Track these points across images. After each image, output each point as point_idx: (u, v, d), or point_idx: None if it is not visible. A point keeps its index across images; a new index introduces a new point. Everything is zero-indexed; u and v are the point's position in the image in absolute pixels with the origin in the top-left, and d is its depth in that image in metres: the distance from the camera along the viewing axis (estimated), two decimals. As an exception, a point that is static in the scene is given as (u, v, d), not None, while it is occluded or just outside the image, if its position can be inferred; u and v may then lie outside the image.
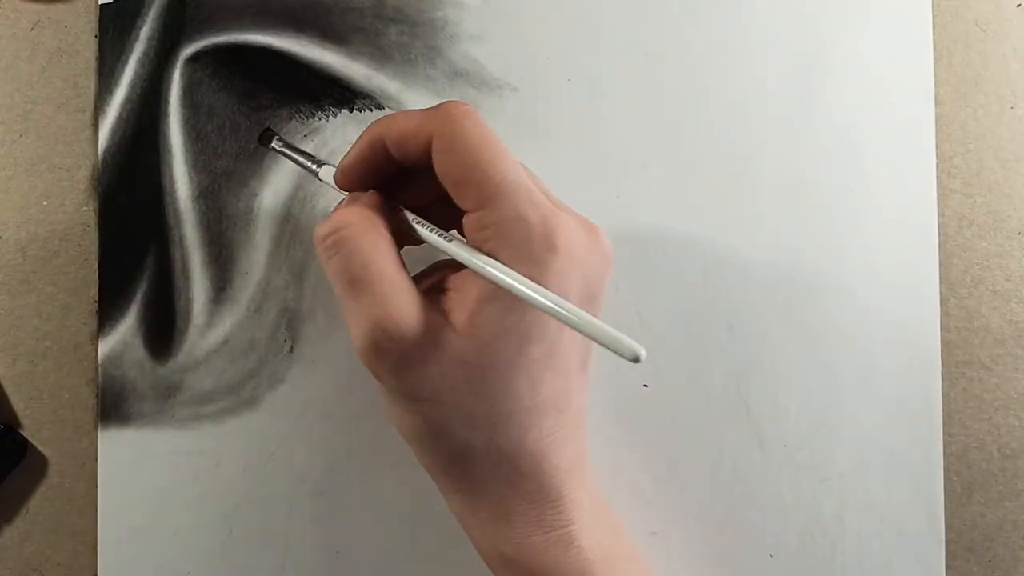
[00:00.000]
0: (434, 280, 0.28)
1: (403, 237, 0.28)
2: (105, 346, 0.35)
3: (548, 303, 0.23)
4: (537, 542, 0.26)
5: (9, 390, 0.35)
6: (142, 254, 0.35)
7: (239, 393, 0.35)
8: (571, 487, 0.27)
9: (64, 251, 0.36)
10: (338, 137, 0.35)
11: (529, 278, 0.24)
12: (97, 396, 0.35)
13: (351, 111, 0.35)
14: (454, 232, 0.27)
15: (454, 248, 0.26)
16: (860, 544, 0.34)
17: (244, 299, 0.35)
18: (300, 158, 0.32)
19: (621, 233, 0.35)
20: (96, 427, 0.35)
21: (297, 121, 0.35)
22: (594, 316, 0.24)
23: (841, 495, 0.34)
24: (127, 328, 0.35)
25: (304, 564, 0.34)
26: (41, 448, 0.35)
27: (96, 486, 0.35)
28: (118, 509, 0.35)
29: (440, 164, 0.25)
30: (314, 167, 0.31)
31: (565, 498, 0.27)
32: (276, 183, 0.35)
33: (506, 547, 0.27)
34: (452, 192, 0.26)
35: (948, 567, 0.34)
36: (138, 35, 0.36)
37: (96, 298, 0.35)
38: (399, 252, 0.27)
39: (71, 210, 0.36)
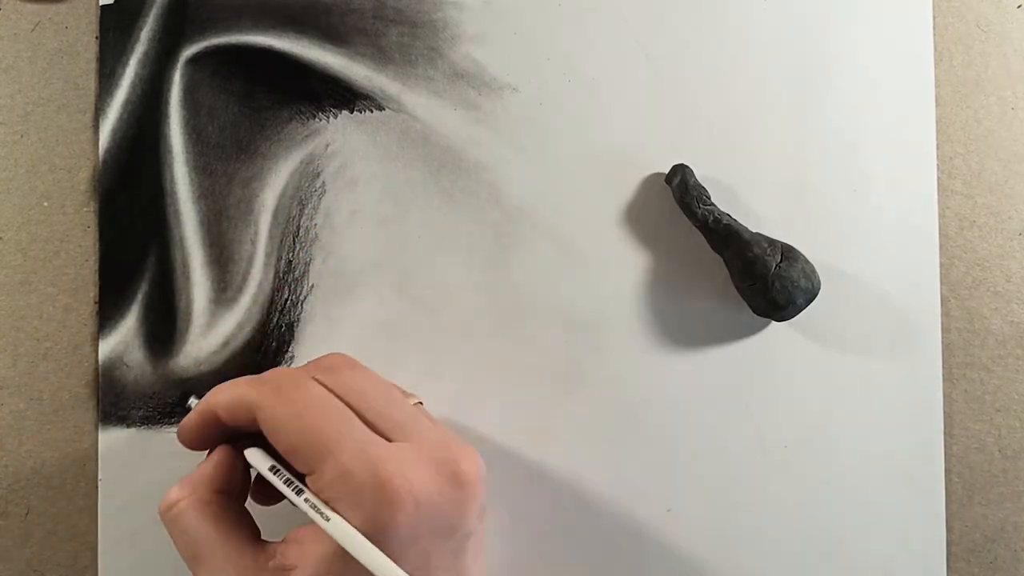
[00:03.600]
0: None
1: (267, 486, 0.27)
2: (105, 347, 0.35)
3: (381, 567, 0.23)
4: None
5: (9, 390, 0.35)
6: (142, 255, 0.35)
7: (239, 394, 0.35)
8: None
9: (64, 252, 0.36)
10: (339, 138, 0.35)
11: (370, 534, 0.24)
12: (97, 396, 0.35)
13: (351, 112, 0.35)
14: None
15: (300, 502, 0.25)
16: (860, 545, 0.34)
17: (244, 300, 0.35)
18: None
19: (622, 232, 0.35)
20: (96, 427, 0.35)
21: (298, 122, 0.36)
22: (470, 544, 0.25)
23: (841, 496, 0.34)
24: (127, 329, 0.35)
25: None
26: (41, 448, 0.35)
27: (96, 486, 0.35)
28: (118, 509, 0.35)
29: (268, 434, 0.26)
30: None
31: None
32: (276, 184, 0.35)
33: None
34: (286, 457, 0.26)
35: (949, 568, 0.33)
36: (139, 36, 0.36)
37: (96, 298, 0.36)
38: (243, 510, 0.27)
39: (71, 211, 0.36)
